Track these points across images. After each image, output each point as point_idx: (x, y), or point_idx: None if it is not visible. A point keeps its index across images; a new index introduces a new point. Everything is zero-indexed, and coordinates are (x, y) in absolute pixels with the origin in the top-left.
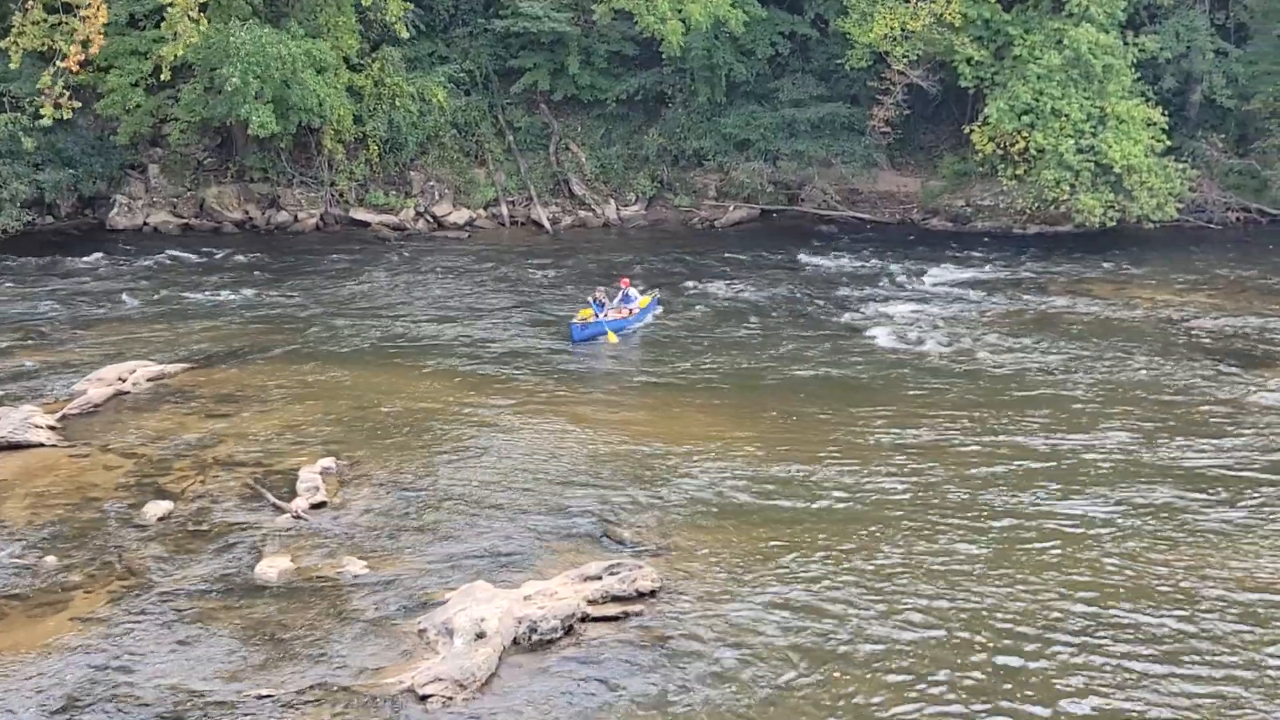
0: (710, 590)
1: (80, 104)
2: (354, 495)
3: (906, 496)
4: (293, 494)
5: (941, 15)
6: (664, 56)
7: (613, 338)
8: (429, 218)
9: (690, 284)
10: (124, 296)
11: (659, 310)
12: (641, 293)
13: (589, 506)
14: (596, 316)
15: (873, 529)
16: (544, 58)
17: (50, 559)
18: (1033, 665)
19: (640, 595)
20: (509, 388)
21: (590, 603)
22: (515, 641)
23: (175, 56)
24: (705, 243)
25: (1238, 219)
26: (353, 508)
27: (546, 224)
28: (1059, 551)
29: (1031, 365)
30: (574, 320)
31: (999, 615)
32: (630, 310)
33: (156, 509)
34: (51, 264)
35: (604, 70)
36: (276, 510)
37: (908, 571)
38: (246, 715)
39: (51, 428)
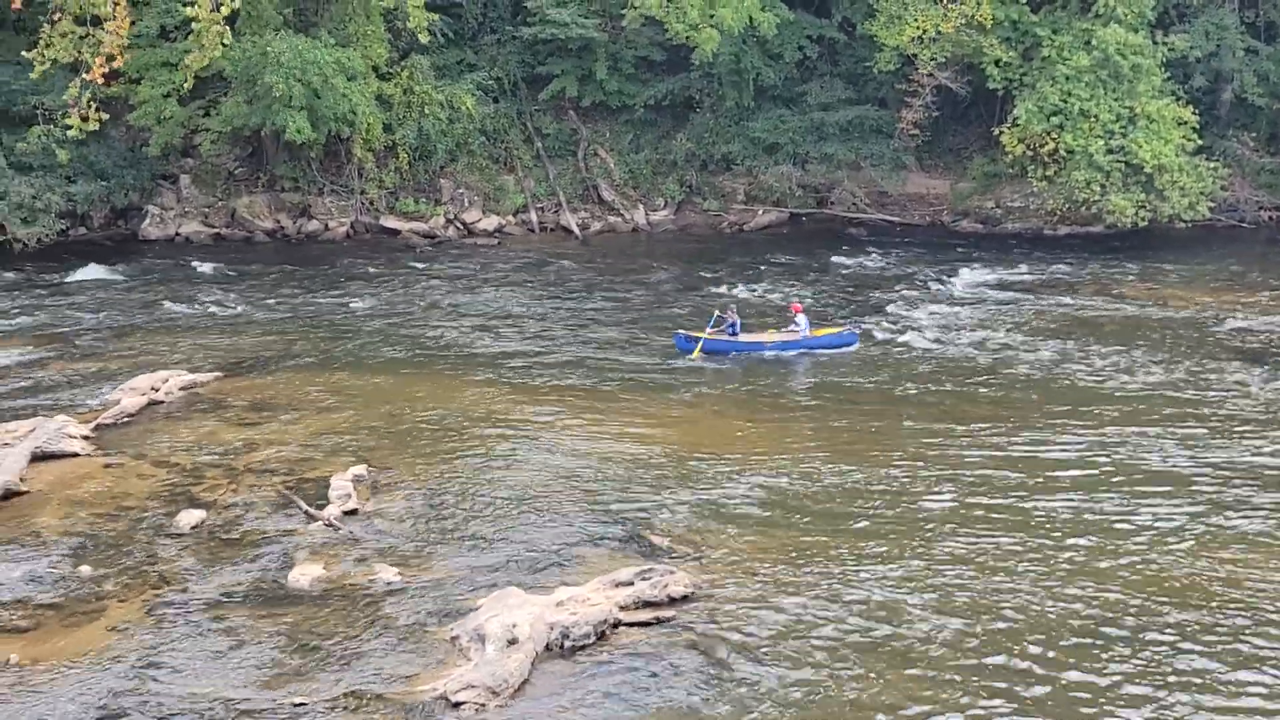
0: (743, 595)
1: (111, 116)
2: (386, 503)
3: (944, 500)
4: (325, 502)
5: (973, 17)
6: (692, 62)
7: (696, 355)
8: (459, 225)
9: (722, 288)
10: (157, 306)
11: (854, 346)
12: (825, 322)
13: (621, 512)
14: (713, 333)
15: (910, 533)
16: (572, 64)
17: (85, 568)
18: (1083, 665)
19: (672, 600)
20: (541, 394)
21: (622, 608)
22: (547, 648)
23: (201, 67)
24: (734, 247)
25: (1270, 218)
26: (385, 515)
27: (576, 230)
28: (1102, 552)
29: (1065, 367)
30: (679, 331)
31: (1045, 617)
32: (796, 335)
33: (190, 517)
34: (85, 274)
35: (631, 76)
36: (309, 518)
37: (948, 575)
38: None
39: (86, 437)
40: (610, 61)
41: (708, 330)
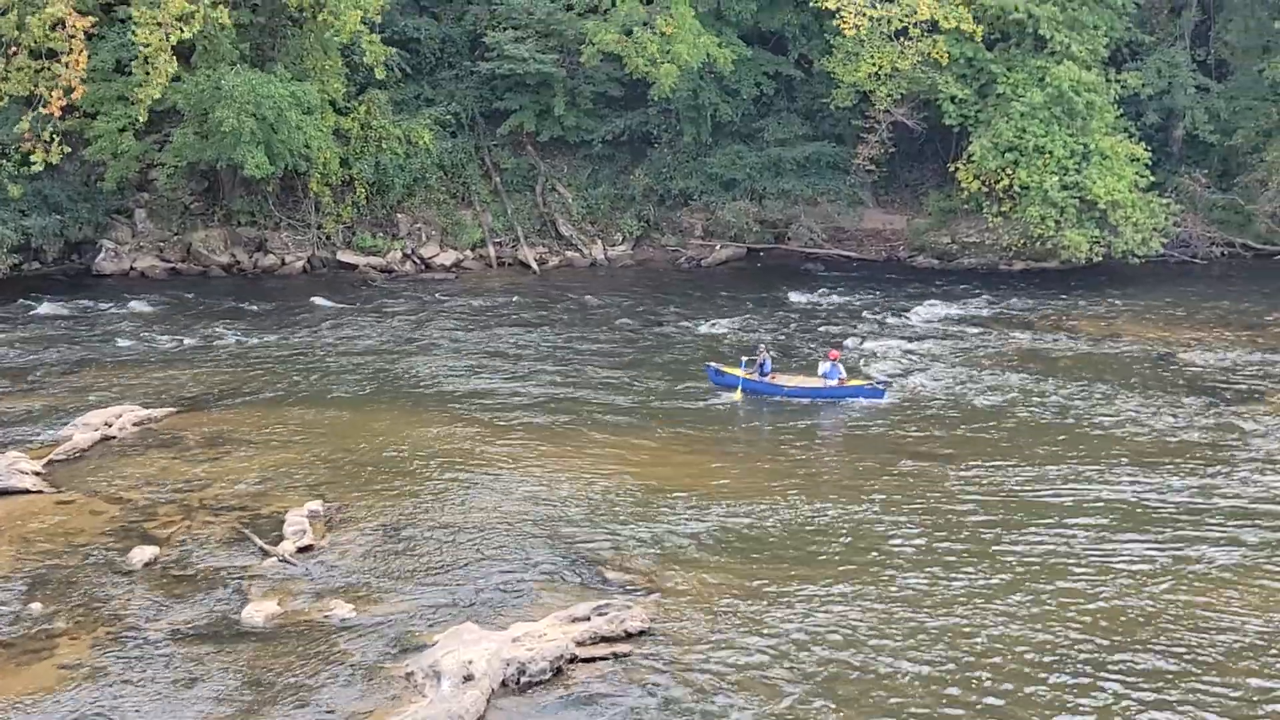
0: (698, 630)
1: (69, 149)
2: (342, 538)
3: (905, 537)
4: (280, 538)
5: (929, 54)
6: (650, 98)
7: (737, 395)
8: (416, 260)
9: (681, 324)
10: (111, 341)
11: (882, 400)
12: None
13: (580, 549)
14: (750, 374)
15: (870, 569)
16: (530, 99)
17: (36, 605)
18: (1044, 699)
19: (629, 636)
20: (501, 430)
21: (579, 644)
22: (504, 684)
23: (151, 98)
24: (693, 282)
25: (1222, 253)
26: (340, 551)
27: (534, 264)
28: (1064, 587)
29: (1020, 401)
30: (712, 364)
31: (1007, 652)
32: (833, 381)
33: (142, 554)
34: (38, 309)
35: (590, 111)
36: (263, 554)
37: (909, 611)
38: None
39: (37, 473)
40: (568, 97)
41: (743, 370)
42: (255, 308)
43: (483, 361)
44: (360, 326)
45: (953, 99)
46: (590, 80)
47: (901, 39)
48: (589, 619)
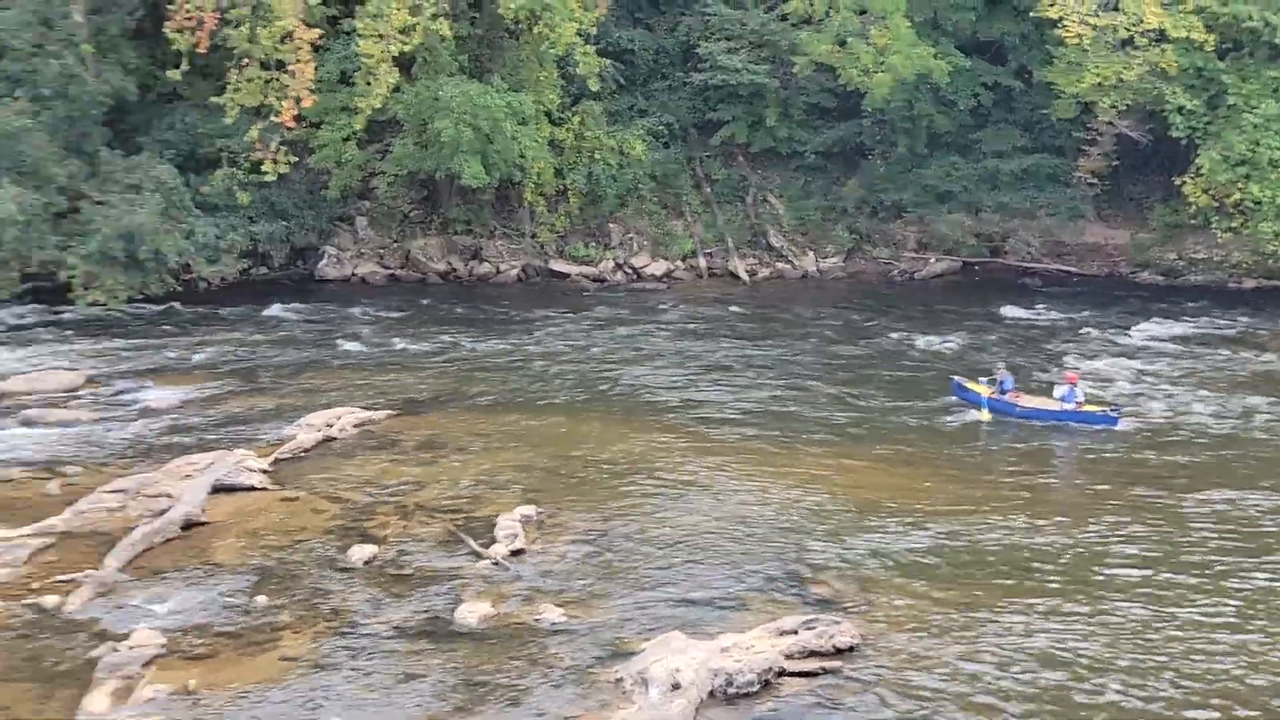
0: (909, 649)
1: (295, 159)
2: (553, 543)
3: (1123, 561)
4: (493, 540)
5: (1156, 64)
6: (864, 109)
7: (985, 415)
8: (628, 269)
9: (898, 338)
10: (332, 345)
11: (1115, 427)
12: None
13: (790, 561)
14: (990, 392)
15: (1085, 593)
16: (742, 110)
17: (261, 598)
18: None
19: (838, 651)
20: (712, 440)
21: (787, 657)
22: (711, 694)
23: (372, 108)
24: (907, 295)
25: None
26: (551, 555)
27: (744, 276)
28: None
29: (1259, 426)
30: (958, 378)
31: (1226, 686)
32: (1070, 405)
33: (361, 552)
34: (265, 312)
35: (802, 122)
36: (476, 556)
37: (1125, 637)
38: None
39: (264, 471)
40: (781, 108)
41: (986, 389)
42: (470, 314)
43: (695, 371)
44: (573, 335)
45: (1180, 110)
46: (803, 91)
47: (1127, 48)
48: (797, 633)
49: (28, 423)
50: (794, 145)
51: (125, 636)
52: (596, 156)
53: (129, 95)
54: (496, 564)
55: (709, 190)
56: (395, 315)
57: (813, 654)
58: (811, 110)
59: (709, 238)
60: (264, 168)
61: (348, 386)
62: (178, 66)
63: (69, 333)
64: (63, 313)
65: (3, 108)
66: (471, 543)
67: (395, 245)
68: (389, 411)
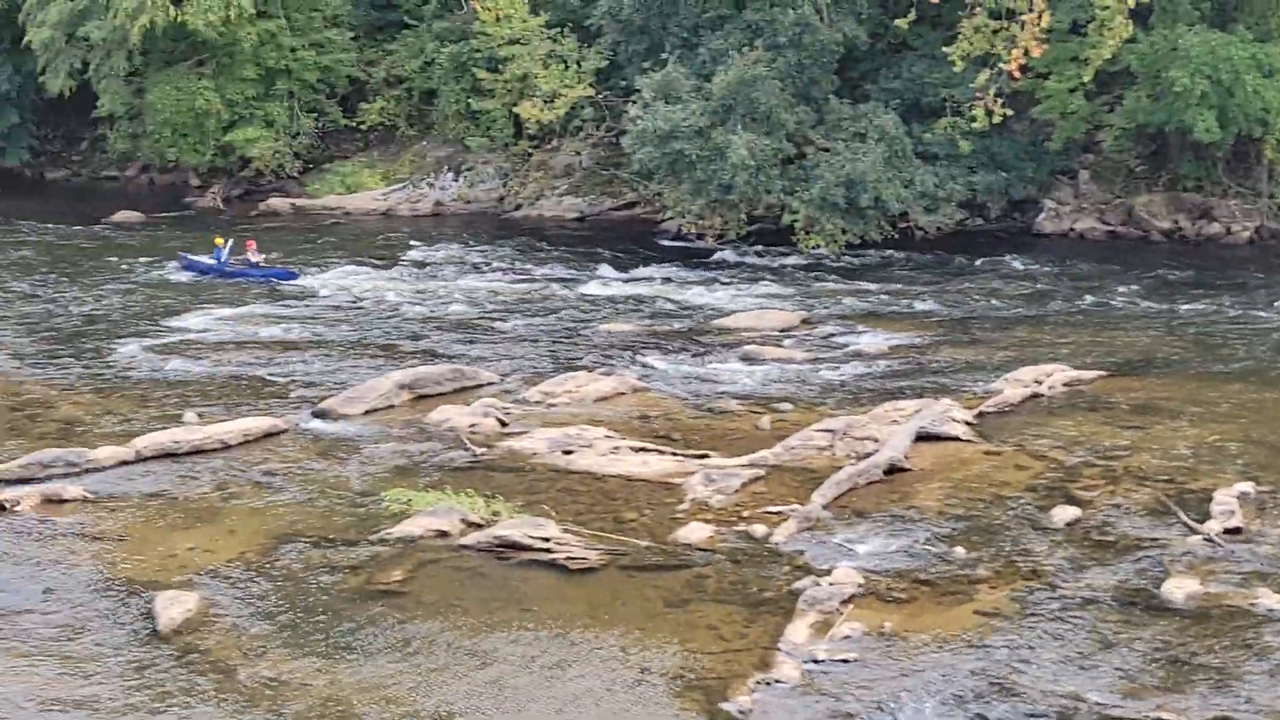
0: None
1: (1014, 109)
2: (1273, 525)
3: None
4: (1206, 516)
5: None
6: None
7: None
8: None
9: None
10: (1045, 300)
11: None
12: None
13: None
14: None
15: None
16: None
17: (959, 550)
18: None
19: None
20: None
21: None
22: None
23: (1102, 59)
24: None
25: None
26: (1270, 537)
27: None
28: None
29: None
30: None
31: None
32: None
33: (1064, 514)
34: (979, 264)
35: None
36: (1188, 530)
37: None
38: None
39: (968, 423)
40: None
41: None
42: (1195, 276)
43: None
44: None
45: None
46: None
47: None
48: None
49: (747, 359)
50: None
51: (826, 572)
52: None
53: (860, 44)
54: (1209, 540)
55: None
56: (1113, 273)
57: None
58: None
59: None
60: (974, 115)
61: (1058, 344)
62: (906, 16)
63: (788, 274)
64: (785, 254)
65: (742, 57)
66: (1183, 515)
67: (1118, 201)
68: (1100, 372)
